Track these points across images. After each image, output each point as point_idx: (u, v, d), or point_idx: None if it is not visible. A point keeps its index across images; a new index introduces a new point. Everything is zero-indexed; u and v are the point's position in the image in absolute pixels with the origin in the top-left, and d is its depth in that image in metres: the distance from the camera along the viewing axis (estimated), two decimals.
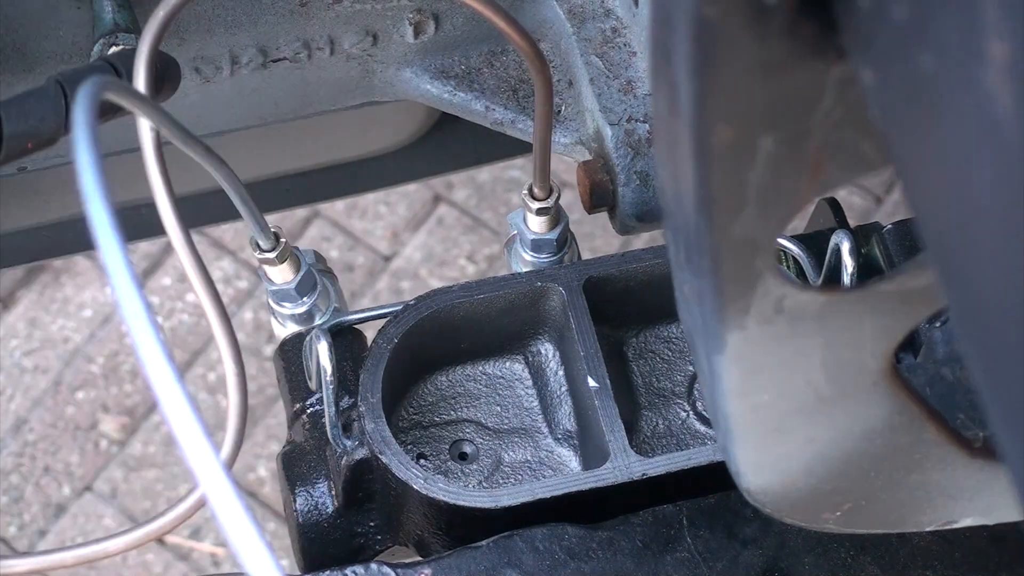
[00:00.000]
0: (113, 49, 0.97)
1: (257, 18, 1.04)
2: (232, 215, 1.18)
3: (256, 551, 0.50)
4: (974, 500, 0.69)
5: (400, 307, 0.98)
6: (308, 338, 0.99)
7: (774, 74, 0.47)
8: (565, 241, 1.06)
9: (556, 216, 1.04)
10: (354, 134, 1.33)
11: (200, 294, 0.89)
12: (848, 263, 0.98)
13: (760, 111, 0.48)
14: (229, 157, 0.85)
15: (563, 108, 1.09)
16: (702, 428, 1.00)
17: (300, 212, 2.13)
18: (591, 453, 0.97)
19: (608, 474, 0.92)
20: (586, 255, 1.08)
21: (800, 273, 1.02)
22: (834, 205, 1.05)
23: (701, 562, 0.91)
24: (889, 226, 1.03)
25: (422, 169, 1.41)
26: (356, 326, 1.03)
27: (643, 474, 0.92)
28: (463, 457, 1.00)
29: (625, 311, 1.01)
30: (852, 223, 1.04)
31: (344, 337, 1.02)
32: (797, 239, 1.03)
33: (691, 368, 1.02)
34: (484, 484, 0.98)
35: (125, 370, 2.04)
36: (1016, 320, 0.42)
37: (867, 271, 1.01)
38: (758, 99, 0.47)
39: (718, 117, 0.47)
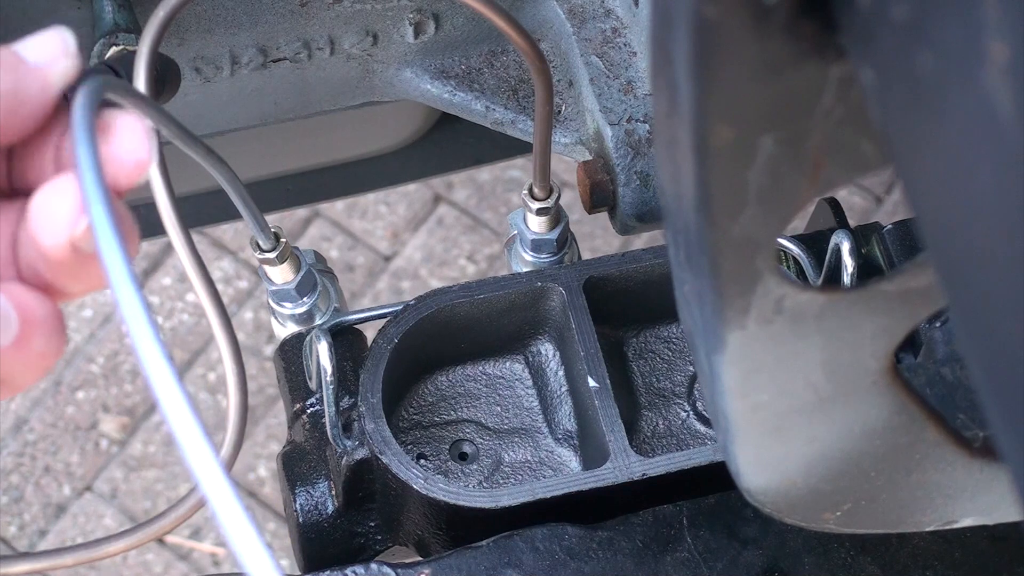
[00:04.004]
0: (113, 49, 0.97)
1: (257, 18, 1.04)
2: (232, 215, 1.18)
3: (256, 552, 0.50)
4: (974, 500, 0.69)
5: (400, 307, 0.98)
6: (308, 338, 0.99)
7: (774, 74, 0.47)
8: (565, 241, 1.06)
9: (556, 216, 1.04)
10: (354, 134, 1.33)
11: (200, 294, 0.89)
12: (848, 263, 0.98)
13: (760, 111, 0.48)
14: (229, 157, 0.85)
15: (563, 108, 1.09)
16: (702, 428, 1.00)
17: (300, 212, 2.13)
18: (591, 453, 0.97)
19: (608, 474, 0.92)
20: (586, 255, 1.08)
21: (800, 273, 1.02)
22: (834, 205, 1.05)
23: (701, 562, 0.91)
24: (889, 226, 1.03)
25: (422, 169, 1.41)
26: (356, 326, 1.03)
27: (643, 474, 0.92)
28: (463, 457, 1.00)
29: (625, 311, 1.01)
30: (852, 223, 1.04)
31: (344, 337, 1.02)
32: (797, 239, 1.03)
33: (691, 368, 1.02)
34: (484, 484, 0.98)
35: (125, 370, 2.04)
36: (1016, 320, 0.42)
37: (867, 271, 1.01)
38: (758, 99, 0.47)
39: (718, 117, 0.47)
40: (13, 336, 0.55)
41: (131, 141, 0.56)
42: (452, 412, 1.01)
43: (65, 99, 0.81)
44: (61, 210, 0.54)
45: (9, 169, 0.59)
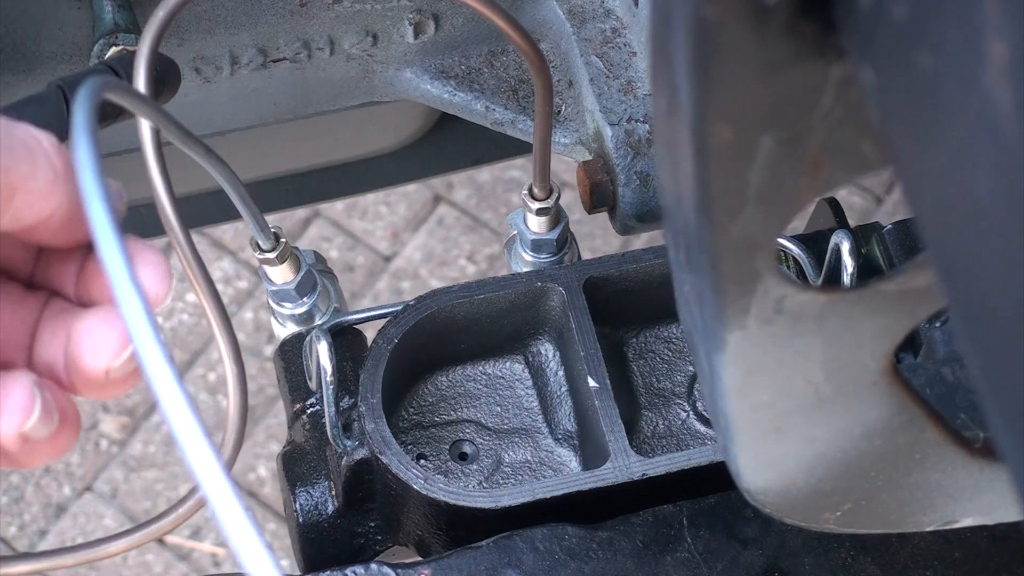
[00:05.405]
0: (113, 49, 0.97)
1: (257, 18, 1.04)
2: (232, 215, 1.18)
3: (256, 552, 0.50)
4: (974, 500, 0.69)
5: (400, 307, 0.98)
6: (308, 338, 0.99)
7: (774, 74, 0.47)
8: (565, 241, 1.06)
9: (556, 216, 1.04)
10: (354, 134, 1.33)
11: (200, 294, 0.88)
12: (848, 263, 0.98)
13: (760, 111, 0.48)
14: (229, 157, 0.85)
15: (563, 108, 1.09)
16: (702, 428, 1.00)
17: (300, 212, 2.13)
18: (591, 453, 0.97)
19: (608, 474, 0.92)
20: (586, 255, 1.08)
21: (800, 273, 1.02)
22: (834, 205, 1.05)
23: (701, 562, 0.91)
24: (889, 226, 1.03)
25: (422, 169, 1.41)
26: (356, 326, 1.03)
27: (643, 474, 0.92)
28: (463, 457, 1.00)
29: (625, 311, 1.01)
30: (852, 223, 1.04)
31: (344, 337, 1.02)
32: (797, 239, 1.03)
33: (691, 368, 1.02)
34: (484, 484, 0.98)
35: None
36: (1016, 320, 0.42)
37: (867, 271, 1.01)
38: (758, 99, 0.47)
39: (718, 117, 0.47)
40: (52, 431, 0.62)
41: (151, 277, 0.62)
42: (452, 412, 1.01)
43: (60, 89, 0.81)
44: (106, 342, 0.61)
45: (35, 263, 0.65)
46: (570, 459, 0.99)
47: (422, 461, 0.99)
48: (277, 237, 1.00)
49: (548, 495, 0.91)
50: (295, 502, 0.98)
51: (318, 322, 1.04)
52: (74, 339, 0.62)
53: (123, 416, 2.02)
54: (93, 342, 0.61)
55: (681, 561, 0.91)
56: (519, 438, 1.00)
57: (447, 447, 1.00)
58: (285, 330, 1.05)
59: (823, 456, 0.64)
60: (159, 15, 0.88)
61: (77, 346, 0.62)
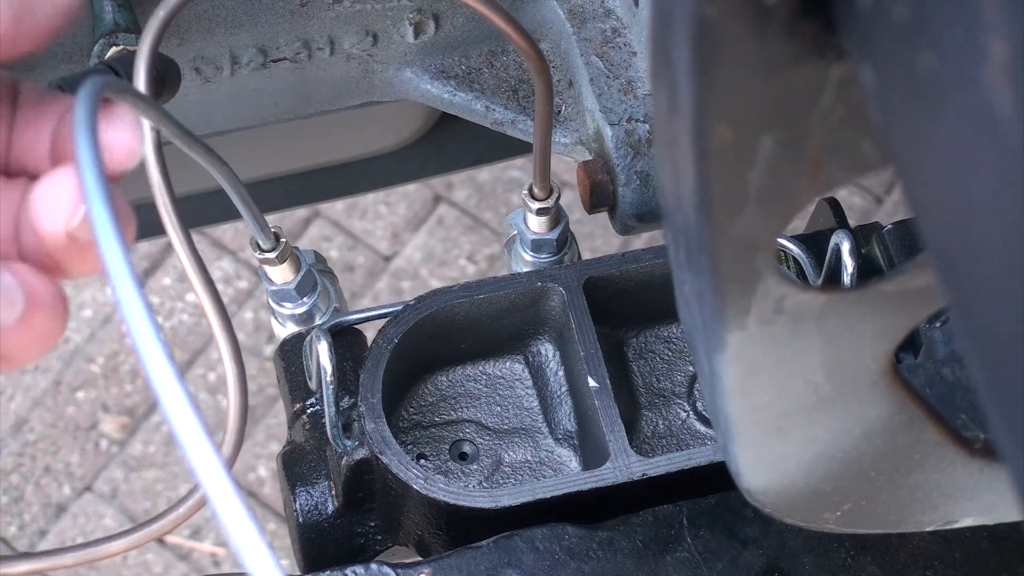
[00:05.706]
0: (113, 49, 0.97)
1: (257, 18, 1.04)
2: (232, 215, 1.18)
3: (257, 552, 0.50)
4: (974, 500, 0.69)
5: (400, 307, 0.98)
6: (308, 338, 0.99)
7: (774, 74, 0.47)
8: (565, 241, 1.06)
9: (556, 216, 1.04)
10: (354, 134, 1.33)
11: (200, 294, 0.89)
12: (848, 263, 0.98)
13: (760, 111, 0.48)
14: (229, 157, 0.85)
15: (563, 108, 1.09)
16: (702, 428, 1.00)
17: (300, 212, 2.13)
18: (591, 453, 0.97)
19: (608, 474, 0.92)
20: (586, 255, 1.08)
21: (800, 273, 1.02)
22: (834, 205, 1.05)
23: (701, 562, 0.91)
24: (889, 226, 1.03)
25: (422, 169, 1.41)
26: (356, 326, 1.03)
27: (643, 474, 0.92)
28: (463, 457, 1.00)
29: (625, 311, 1.01)
30: (852, 223, 1.04)
31: (344, 337, 1.02)
32: (797, 239, 1.03)
33: (691, 368, 1.02)
34: (484, 484, 0.98)
35: (125, 370, 2.04)
36: (1016, 320, 0.42)
37: (867, 271, 1.01)
38: (758, 99, 0.47)
39: (718, 117, 0.47)
40: (18, 314, 0.58)
41: (122, 129, 0.60)
42: (452, 412, 1.01)
43: (60, 89, 0.82)
44: (60, 202, 0.58)
45: (8, 151, 0.62)
46: (570, 459, 0.99)
47: (422, 461, 0.99)
48: (277, 237, 1.00)
49: (548, 495, 0.91)
50: (295, 502, 0.98)
51: (318, 322, 1.04)
52: (30, 209, 0.59)
53: (123, 416, 2.02)
54: (45, 209, 0.58)
55: (681, 561, 0.91)
56: (519, 438, 1.00)
57: (447, 447, 1.00)
58: (285, 330, 1.05)
59: (823, 456, 0.64)
60: (159, 15, 0.88)
61: (34, 215, 0.59)
